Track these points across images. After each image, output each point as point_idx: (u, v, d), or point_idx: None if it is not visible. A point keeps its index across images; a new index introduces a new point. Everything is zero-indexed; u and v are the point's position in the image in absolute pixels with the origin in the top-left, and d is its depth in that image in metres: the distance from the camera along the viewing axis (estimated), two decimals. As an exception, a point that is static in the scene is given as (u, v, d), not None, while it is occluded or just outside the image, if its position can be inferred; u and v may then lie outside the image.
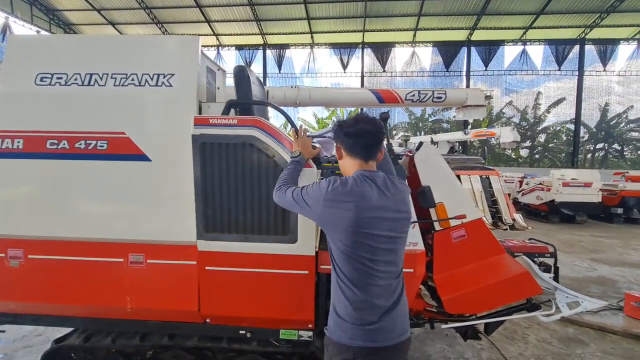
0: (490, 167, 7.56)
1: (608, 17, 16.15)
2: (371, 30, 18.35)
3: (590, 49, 17.83)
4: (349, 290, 1.27)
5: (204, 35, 19.08)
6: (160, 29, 18.58)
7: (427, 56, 19.38)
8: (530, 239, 4.59)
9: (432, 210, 2.17)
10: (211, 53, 20.21)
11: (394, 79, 19.82)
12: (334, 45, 19.35)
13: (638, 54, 17.55)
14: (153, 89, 1.91)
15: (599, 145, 18.96)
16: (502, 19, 16.98)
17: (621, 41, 17.65)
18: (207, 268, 1.93)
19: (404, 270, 1.98)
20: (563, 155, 18.92)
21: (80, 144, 1.91)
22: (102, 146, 1.91)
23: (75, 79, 1.93)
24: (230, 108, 1.99)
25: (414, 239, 1.98)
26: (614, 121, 18.59)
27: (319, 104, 7.05)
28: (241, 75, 2.10)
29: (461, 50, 18.74)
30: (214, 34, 19.05)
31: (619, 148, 18.68)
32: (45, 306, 2.07)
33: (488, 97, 6.31)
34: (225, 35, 19.28)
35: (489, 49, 18.62)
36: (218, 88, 2.48)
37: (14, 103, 1.94)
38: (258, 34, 18.85)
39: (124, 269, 1.95)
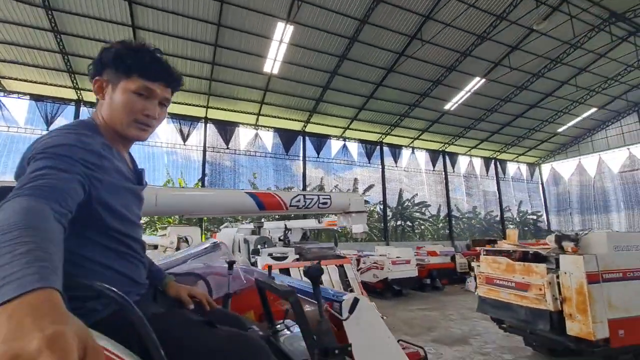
0: (342, 255, 7.75)
1: (395, 129, 22.26)
2: (215, 108, 18.26)
3: (387, 149, 23.79)
4: None
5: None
6: None
7: (269, 138, 20.67)
8: (399, 341, 4.50)
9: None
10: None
11: (238, 157, 19.86)
12: (175, 117, 18.01)
13: (413, 158, 24.86)
14: None
15: (399, 222, 24.28)
16: (328, 118, 20.52)
17: (403, 147, 24.50)
18: None
19: None
20: (378, 231, 23.01)
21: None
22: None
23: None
24: None
25: None
26: (406, 204, 24.61)
27: (177, 212, 5.11)
28: None
29: (298, 138, 21.06)
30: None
31: (410, 225, 24.56)
32: None
33: (366, 202, 6.46)
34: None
35: (319, 140, 21.80)
36: None
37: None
38: (71, 90, 15.34)
39: None
